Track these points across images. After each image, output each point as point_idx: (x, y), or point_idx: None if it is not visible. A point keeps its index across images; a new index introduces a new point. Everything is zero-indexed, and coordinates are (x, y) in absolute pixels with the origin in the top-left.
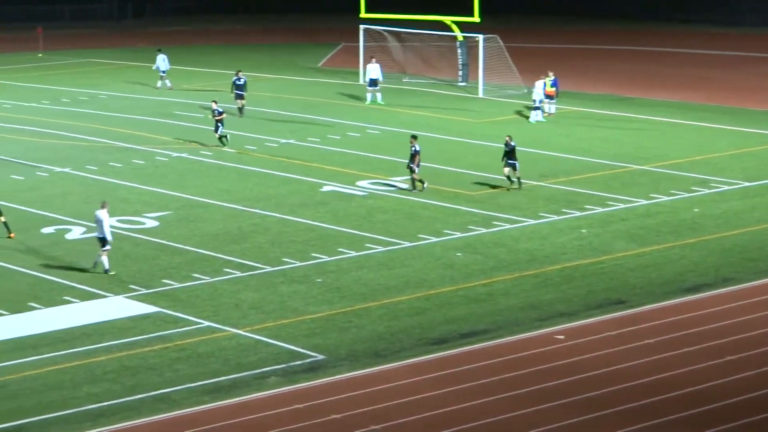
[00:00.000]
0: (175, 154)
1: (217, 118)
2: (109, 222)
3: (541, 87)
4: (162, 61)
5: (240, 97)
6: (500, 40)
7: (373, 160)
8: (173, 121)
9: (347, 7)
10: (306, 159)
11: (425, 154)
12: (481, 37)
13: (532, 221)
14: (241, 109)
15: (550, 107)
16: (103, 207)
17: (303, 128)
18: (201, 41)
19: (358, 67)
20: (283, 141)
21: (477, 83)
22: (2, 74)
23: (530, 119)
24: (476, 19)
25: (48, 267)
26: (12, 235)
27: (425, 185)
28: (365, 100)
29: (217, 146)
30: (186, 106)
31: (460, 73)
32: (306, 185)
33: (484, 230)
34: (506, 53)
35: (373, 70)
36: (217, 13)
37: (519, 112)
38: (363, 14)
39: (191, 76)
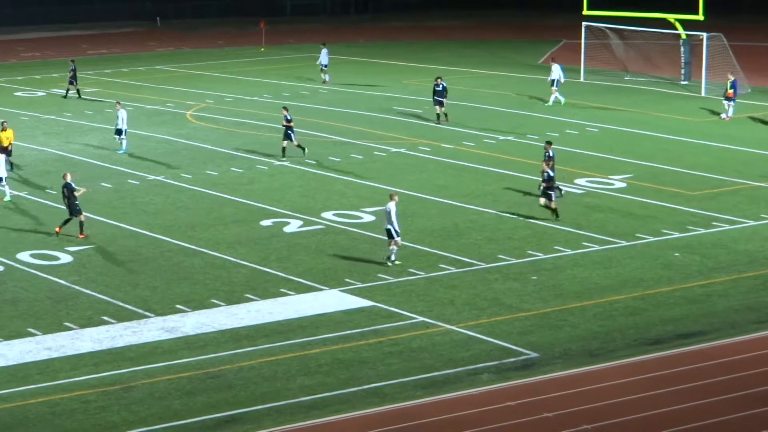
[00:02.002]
0: (393, 149)
1: (285, 124)
2: (395, 214)
3: None
4: (324, 56)
5: (439, 104)
6: (724, 39)
7: (590, 157)
8: (392, 117)
9: (570, 4)
10: (524, 156)
11: (644, 152)
12: (705, 36)
13: (753, 222)
14: (440, 116)
15: (729, 110)
16: (392, 199)
17: (521, 125)
18: (419, 37)
19: (579, 64)
20: (502, 138)
21: (700, 82)
22: (226, 68)
23: None
24: (700, 17)
25: (265, 259)
26: (81, 235)
27: None
28: (552, 101)
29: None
30: (405, 102)
31: (683, 71)
32: (523, 182)
33: (703, 230)
34: (730, 52)
35: (554, 71)
36: (433, 9)
37: (744, 113)
38: (586, 11)
39: (409, 72)
